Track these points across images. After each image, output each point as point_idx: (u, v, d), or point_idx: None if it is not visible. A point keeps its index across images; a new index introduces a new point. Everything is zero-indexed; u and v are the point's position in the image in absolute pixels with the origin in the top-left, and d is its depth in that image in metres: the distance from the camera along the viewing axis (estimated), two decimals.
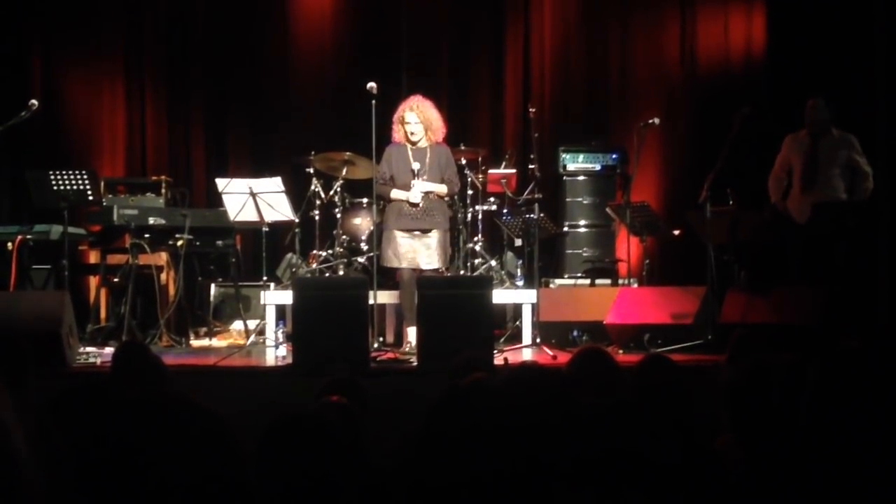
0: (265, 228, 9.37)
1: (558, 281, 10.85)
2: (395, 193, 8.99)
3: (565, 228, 11.12)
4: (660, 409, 4.26)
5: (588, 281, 10.75)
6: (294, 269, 10.17)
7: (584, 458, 2.84)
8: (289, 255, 10.45)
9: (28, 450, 1.06)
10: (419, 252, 8.96)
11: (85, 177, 9.14)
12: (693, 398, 4.38)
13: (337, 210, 10.17)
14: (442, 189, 9.04)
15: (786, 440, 2.52)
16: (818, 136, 9.36)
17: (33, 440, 1.10)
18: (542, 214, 9.84)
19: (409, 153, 9.02)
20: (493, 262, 10.43)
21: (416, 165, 8.94)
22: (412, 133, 9.01)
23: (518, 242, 10.50)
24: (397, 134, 9.11)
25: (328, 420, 3.14)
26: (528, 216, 9.98)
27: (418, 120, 9.01)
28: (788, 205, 9.42)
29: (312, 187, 10.28)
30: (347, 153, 9.91)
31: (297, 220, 9.80)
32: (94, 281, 10.42)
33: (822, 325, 7.92)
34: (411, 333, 8.75)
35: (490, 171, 10.74)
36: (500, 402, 2.62)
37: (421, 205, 8.94)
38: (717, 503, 2.75)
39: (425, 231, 8.96)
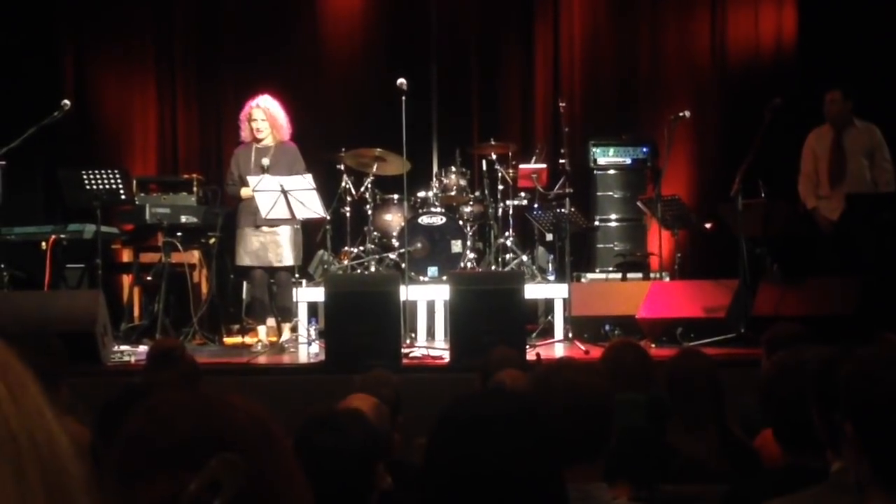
0: (296, 226, 9.38)
1: (590, 275, 10.83)
2: (246, 191, 9.15)
3: (596, 223, 11.09)
4: (693, 402, 4.25)
5: (620, 275, 10.72)
6: (326, 266, 10.19)
7: (617, 451, 2.84)
8: (320, 252, 10.46)
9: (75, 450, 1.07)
10: (269, 250, 9.13)
11: (117, 176, 9.19)
12: (726, 392, 4.37)
13: (368, 206, 10.19)
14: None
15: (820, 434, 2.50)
16: (841, 129, 9.29)
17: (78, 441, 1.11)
18: (572, 209, 9.82)
19: (254, 152, 9.26)
20: (525, 257, 10.41)
21: (265, 161, 9.06)
22: (258, 130, 9.25)
23: (549, 237, 10.48)
24: (244, 132, 9.40)
25: (362, 417, 3.15)
26: (558, 211, 9.96)
27: (264, 117, 9.24)
28: (819, 204, 9.31)
29: (343, 184, 10.30)
30: (378, 150, 9.93)
31: (328, 217, 9.81)
32: (127, 280, 10.47)
33: (857, 317, 7.87)
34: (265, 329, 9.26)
35: (520, 165, 10.72)
36: (531, 398, 2.61)
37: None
38: (753, 496, 2.74)
39: (273, 227, 9.09)
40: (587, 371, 2.94)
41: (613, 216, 11.21)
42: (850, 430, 2.11)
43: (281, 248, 9.10)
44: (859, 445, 2.11)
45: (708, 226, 9.97)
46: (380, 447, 3.09)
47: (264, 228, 9.07)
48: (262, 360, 8.22)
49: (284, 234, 9.10)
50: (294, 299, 9.21)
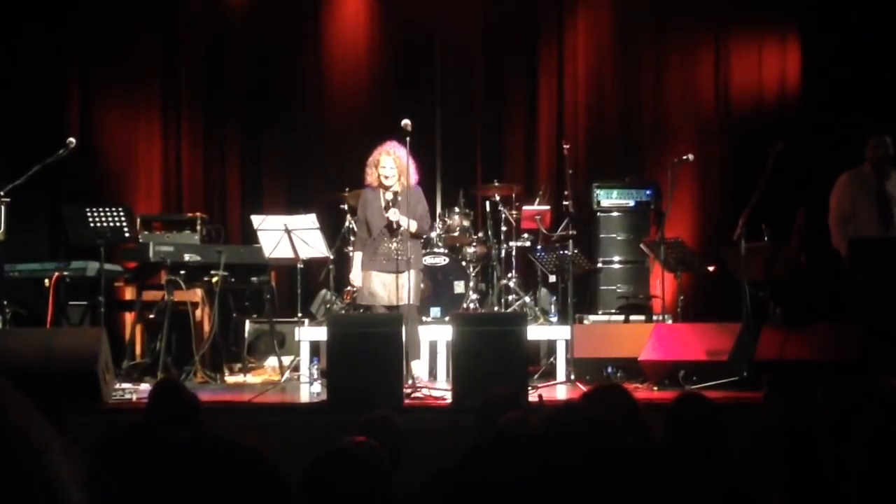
0: (300, 265, 9.39)
1: (592, 317, 10.81)
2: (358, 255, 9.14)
3: (599, 264, 11.09)
4: (695, 447, 4.23)
5: (622, 317, 10.72)
6: (328, 306, 10.19)
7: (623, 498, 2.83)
8: (323, 292, 10.47)
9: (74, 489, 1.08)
10: (394, 289, 8.88)
11: (121, 213, 9.19)
12: (729, 436, 4.35)
13: None
14: (413, 225, 8.98)
15: (836, 485, 2.48)
16: (882, 174, 9.28)
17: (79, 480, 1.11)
18: (576, 250, 9.82)
19: (382, 196, 9.04)
20: (527, 299, 10.42)
21: (392, 216, 8.91)
22: (385, 177, 8.99)
23: (552, 279, 10.48)
24: (370, 177, 9.10)
25: (367, 459, 3.14)
26: (561, 252, 9.96)
27: (393, 165, 8.98)
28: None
29: (346, 224, 10.31)
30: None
31: (331, 257, 9.82)
32: (129, 317, 10.46)
33: (860, 362, 7.84)
34: (417, 368, 8.92)
35: (524, 207, 10.75)
36: (540, 447, 2.61)
37: (393, 246, 8.94)
38: None
39: (400, 272, 8.86)
40: (594, 413, 2.93)
41: (616, 258, 11.21)
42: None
43: (405, 289, 8.86)
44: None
45: (711, 269, 9.97)
46: (380, 489, 3.08)
47: (392, 273, 8.90)
48: (263, 398, 8.18)
49: (409, 277, 8.89)
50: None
